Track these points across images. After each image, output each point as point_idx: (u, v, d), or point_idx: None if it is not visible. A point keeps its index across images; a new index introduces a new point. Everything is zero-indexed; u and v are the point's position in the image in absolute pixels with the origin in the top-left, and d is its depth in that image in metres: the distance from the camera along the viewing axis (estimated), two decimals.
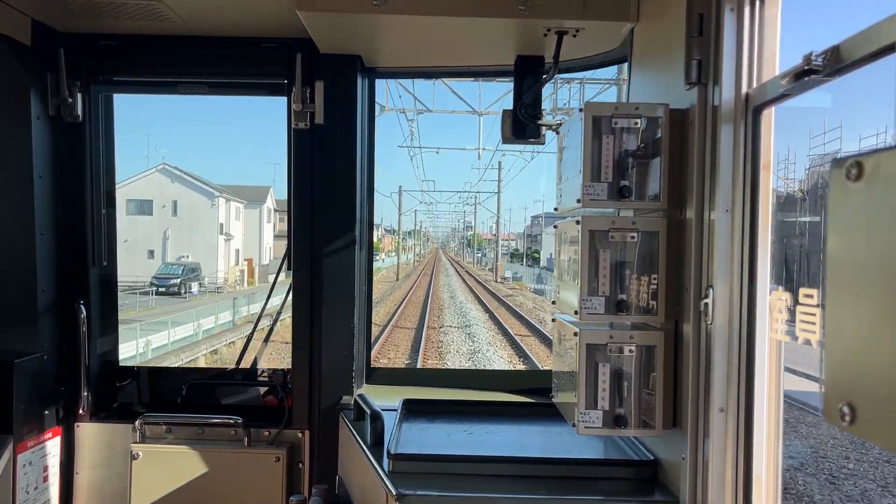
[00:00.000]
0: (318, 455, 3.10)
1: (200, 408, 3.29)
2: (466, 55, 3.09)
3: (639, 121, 2.04)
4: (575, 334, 2.10)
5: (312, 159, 3.08)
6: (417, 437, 2.62)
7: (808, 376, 10.26)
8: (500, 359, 19.58)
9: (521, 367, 18.13)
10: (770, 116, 1.82)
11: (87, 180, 3.15)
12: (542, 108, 2.89)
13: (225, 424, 3.10)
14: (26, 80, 2.88)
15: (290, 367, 3.20)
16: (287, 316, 3.41)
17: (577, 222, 2.07)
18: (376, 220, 3.32)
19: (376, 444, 2.51)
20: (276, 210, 65.22)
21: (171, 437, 3.09)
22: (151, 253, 51.80)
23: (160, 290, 38.61)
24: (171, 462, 3.01)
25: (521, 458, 2.40)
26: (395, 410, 2.78)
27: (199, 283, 44.55)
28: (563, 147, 2.38)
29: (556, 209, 2.46)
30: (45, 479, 3.01)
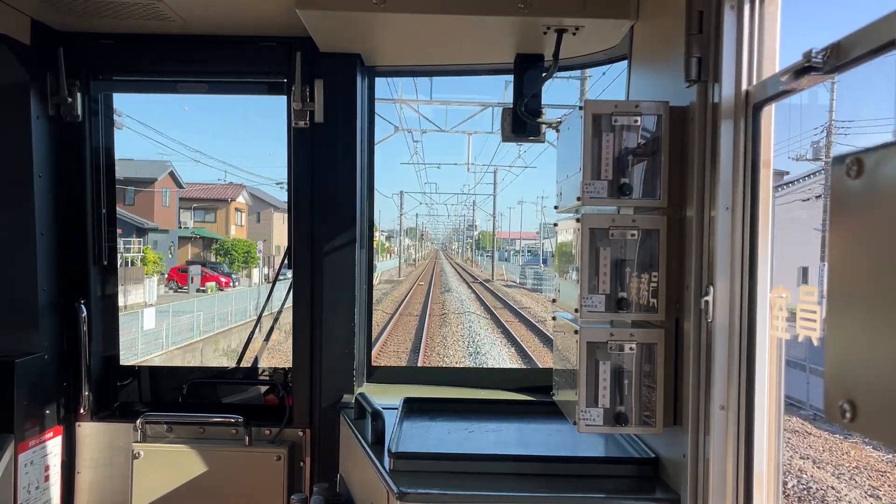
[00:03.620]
0: (319, 454, 3.10)
1: (201, 407, 3.29)
2: (466, 53, 3.09)
3: (638, 118, 2.04)
4: (576, 332, 2.10)
5: (312, 158, 3.08)
6: (418, 435, 2.62)
7: None
8: None
9: None
10: (770, 114, 1.82)
11: (87, 180, 3.15)
12: (542, 105, 2.89)
13: (226, 423, 3.10)
14: (26, 79, 2.88)
15: (291, 365, 3.20)
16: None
17: (578, 220, 2.07)
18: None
19: (377, 442, 2.51)
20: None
21: (173, 436, 3.09)
22: None
23: None
24: (172, 461, 3.01)
25: (523, 456, 2.40)
26: (396, 409, 2.78)
27: None
28: (563, 145, 2.38)
29: (556, 207, 2.46)
30: (47, 478, 3.01)
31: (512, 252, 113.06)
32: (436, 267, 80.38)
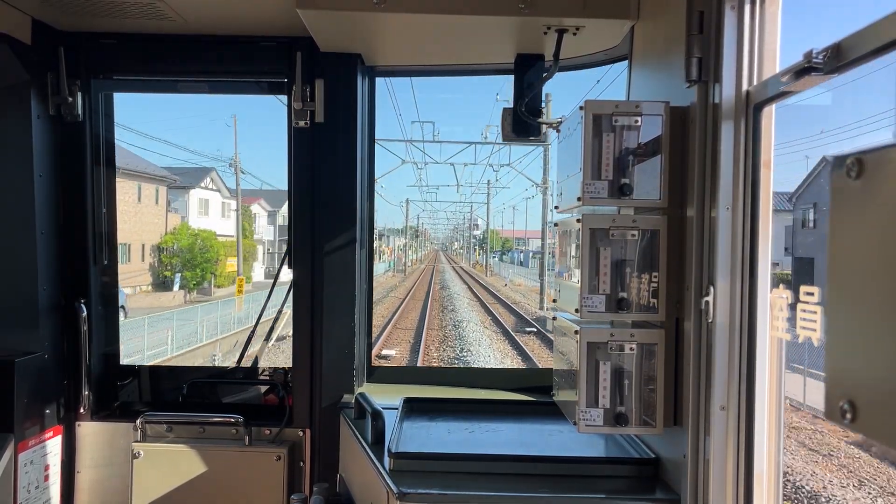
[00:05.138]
0: (319, 454, 3.10)
1: (201, 406, 3.29)
2: (467, 53, 3.09)
3: (639, 119, 2.04)
4: (576, 332, 2.10)
5: (313, 158, 3.08)
6: (418, 435, 2.62)
7: None
8: None
9: None
10: (771, 114, 1.82)
11: (88, 179, 3.15)
12: (542, 105, 2.89)
13: (226, 423, 3.10)
14: (26, 79, 2.88)
15: (291, 365, 3.20)
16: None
17: (578, 220, 2.07)
18: None
19: (377, 442, 2.51)
20: None
21: (172, 435, 3.09)
22: None
23: None
24: (172, 461, 3.01)
25: (522, 456, 2.40)
26: (396, 409, 2.78)
27: None
28: (564, 145, 2.38)
29: (556, 207, 2.47)
30: (47, 478, 3.01)
31: (531, 253, 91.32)
32: (434, 277, 56.37)
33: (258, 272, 51.19)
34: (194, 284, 39.59)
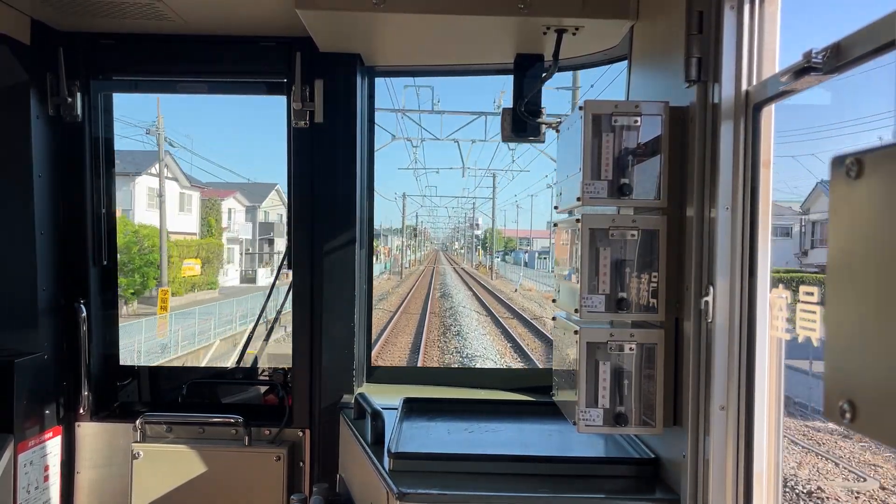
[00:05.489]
0: (318, 454, 3.10)
1: (201, 407, 3.29)
2: (466, 53, 3.09)
3: (638, 119, 2.04)
4: (575, 332, 2.10)
5: (312, 158, 3.08)
6: (418, 435, 2.62)
7: None
8: None
9: None
10: (770, 114, 1.82)
11: (87, 180, 3.15)
12: (542, 106, 2.89)
13: (226, 423, 3.10)
14: (26, 79, 2.88)
15: (291, 365, 3.20)
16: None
17: (578, 220, 2.07)
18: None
19: (377, 442, 2.51)
20: None
21: (172, 436, 3.09)
22: None
23: None
24: (171, 461, 3.01)
25: (522, 456, 2.40)
26: (396, 409, 2.78)
27: None
28: (563, 145, 2.38)
29: (556, 207, 2.47)
30: (46, 478, 3.01)
31: (536, 254, 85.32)
32: (434, 280, 50.89)
33: (232, 275, 44.56)
34: (132, 293, 31.71)
